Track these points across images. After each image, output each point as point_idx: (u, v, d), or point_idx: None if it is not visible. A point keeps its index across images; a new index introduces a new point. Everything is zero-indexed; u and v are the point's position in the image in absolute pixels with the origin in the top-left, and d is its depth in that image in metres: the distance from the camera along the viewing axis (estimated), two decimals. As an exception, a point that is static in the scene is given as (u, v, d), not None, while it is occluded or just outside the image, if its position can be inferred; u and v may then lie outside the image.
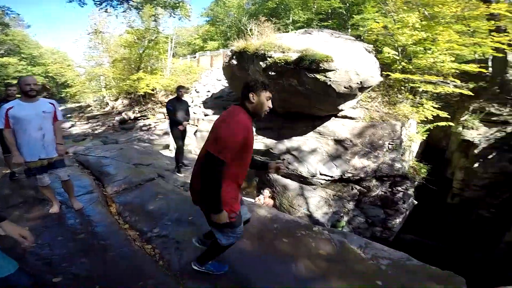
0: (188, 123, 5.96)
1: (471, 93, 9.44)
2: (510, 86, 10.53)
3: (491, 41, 9.36)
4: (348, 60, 8.12)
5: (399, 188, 9.09)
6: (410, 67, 9.89)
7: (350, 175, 8.33)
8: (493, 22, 9.43)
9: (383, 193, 9.50)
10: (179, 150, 6.01)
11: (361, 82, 7.00)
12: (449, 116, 9.08)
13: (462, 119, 9.95)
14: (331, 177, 8.45)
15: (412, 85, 9.36)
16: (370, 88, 7.64)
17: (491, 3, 9.54)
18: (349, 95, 7.08)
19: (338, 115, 7.94)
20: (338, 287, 2.44)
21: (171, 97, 12.08)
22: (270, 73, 9.32)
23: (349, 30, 18.86)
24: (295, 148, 9.62)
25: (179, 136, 5.91)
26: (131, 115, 20.52)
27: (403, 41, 9.77)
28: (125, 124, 19.46)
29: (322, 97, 8.17)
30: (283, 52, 8.89)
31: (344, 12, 21.57)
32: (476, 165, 10.36)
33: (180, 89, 5.81)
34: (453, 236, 12.12)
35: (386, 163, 8.28)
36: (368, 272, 2.62)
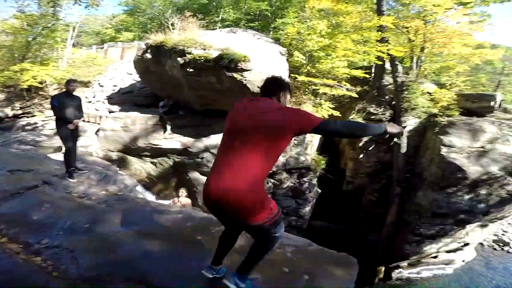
0: (80, 121, 5.31)
1: (356, 95, 11.44)
2: (385, 90, 13.28)
3: (375, 50, 11.29)
4: (263, 61, 8.62)
5: (305, 179, 10.28)
6: (314, 71, 11.25)
7: None
8: (380, 33, 11.21)
9: (292, 184, 10.54)
10: (69, 152, 5.32)
11: (271, 84, 7.66)
12: (341, 115, 10.76)
13: (350, 117, 12.05)
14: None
15: (314, 87, 10.71)
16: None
17: (383, 15, 11.10)
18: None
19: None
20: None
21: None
22: (188, 69, 9.07)
23: (271, 33, 19.97)
24: (213, 146, 9.61)
25: (69, 136, 5.26)
26: (9, 112, 16.47)
27: (311, 47, 11.00)
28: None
29: (238, 96, 8.46)
30: (204, 49, 8.83)
31: (270, 15, 22.54)
32: (361, 156, 12.68)
33: (70, 83, 5.24)
34: (352, 220, 14.49)
35: (293, 157, 9.34)
36: (276, 260, 2.78)
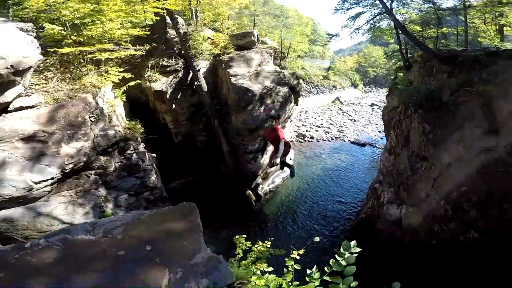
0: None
1: (144, 53, 11.31)
2: (173, 43, 13.77)
3: (151, 7, 11.21)
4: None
5: (129, 151, 9.75)
6: (82, 39, 9.81)
7: (71, 165, 7.72)
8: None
9: (120, 163, 9.84)
10: None
11: (12, 66, 6.00)
12: (135, 75, 10.58)
13: (146, 75, 12.10)
14: (52, 178, 7.39)
15: (90, 56, 9.52)
16: (32, 70, 6.79)
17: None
18: (2, 84, 5.93)
19: (9, 109, 6.53)
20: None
21: None
22: None
23: (10, 11, 14.77)
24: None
25: None
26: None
27: (69, 15, 9.32)
28: None
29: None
30: None
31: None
32: (174, 106, 13.48)
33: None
34: (202, 165, 15.77)
35: (100, 135, 8.40)
36: (106, 249, 2.45)
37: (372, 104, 33.45)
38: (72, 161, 7.68)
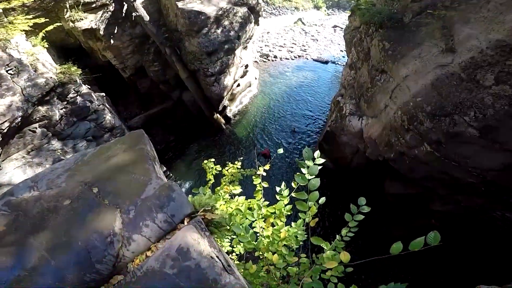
0: None
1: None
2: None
3: None
4: None
5: (71, 95, 8.77)
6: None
7: (7, 124, 6.80)
8: None
9: (65, 109, 8.87)
10: None
11: None
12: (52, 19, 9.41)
13: (66, 16, 10.38)
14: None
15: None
16: None
17: None
18: None
19: None
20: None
21: None
22: None
23: None
24: None
25: None
26: None
27: None
28: None
29: None
30: None
31: None
32: (112, 42, 11.89)
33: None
34: (160, 98, 14.90)
35: (28, 86, 7.35)
36: (52, 202, 2.20)
37: (335, 26, 33.03)
38: (6, 119, 6.88)
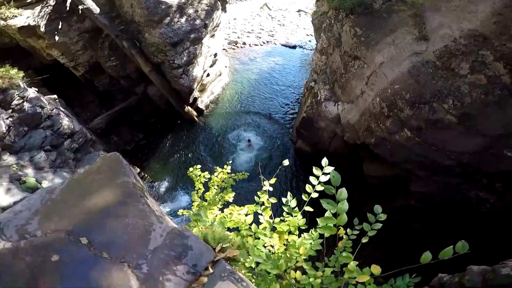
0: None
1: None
2: None
3: None
4: None
5: (16, 102, 8.06)
6: None
7: None
8: None
9: (11, 118, 7.91)
10: None
11: None
12: None
13: None
14: None
15: None
16: None
17: None
18: None
19: None
20: None
21: None
22: None
23: None
24: None
25: None
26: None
27: None
28: None
29: None
30: None
31: None
32: (59, 39, 10.68)
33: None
34: (125, 96, 13.75)
35: None
36: (35, 259, 1.74)
37: (299, 10, 33.16)
38: None
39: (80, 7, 10.35)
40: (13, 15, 9.40)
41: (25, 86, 8.31)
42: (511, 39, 4.98)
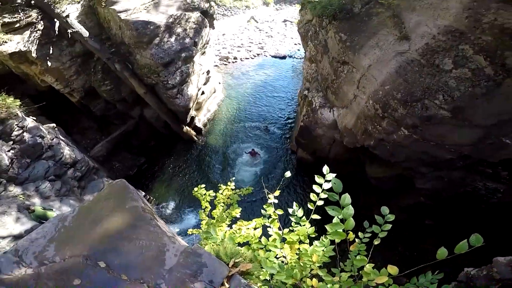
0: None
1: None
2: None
3: None
4: None
5: (15, 133, 8.31)
6: None
7: None
8: None
9: (13, 150, 7.97)
10: None
11: None
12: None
13: None
14: None
15: None
16: None
17: None
18: None
19: None
20: None
21: None
22: None
23: None
24: None
25: None
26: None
27: None
28: None
29: None
30: None
31: None
32: (50, 64, 10.78)
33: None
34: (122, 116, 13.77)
35: None
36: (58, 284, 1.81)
37: (285, 20, 34.14)
38: None
39: (69, 31, 10.50)
40: (3, 41, 9.41)
41: (23, 116, 8.34)
42: (485, 32, 5.16)
